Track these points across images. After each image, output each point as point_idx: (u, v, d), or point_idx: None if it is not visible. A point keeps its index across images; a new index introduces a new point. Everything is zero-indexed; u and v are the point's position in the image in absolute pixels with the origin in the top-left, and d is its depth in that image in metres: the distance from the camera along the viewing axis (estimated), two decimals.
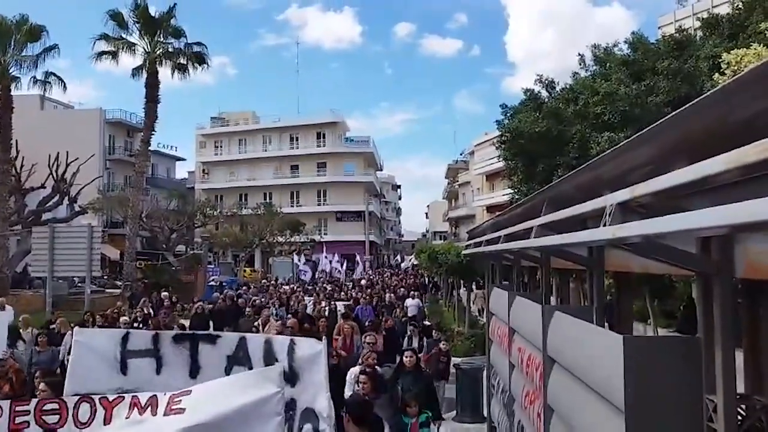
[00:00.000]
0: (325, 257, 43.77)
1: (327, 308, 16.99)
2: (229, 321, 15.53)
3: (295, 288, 27.62)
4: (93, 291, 22.50)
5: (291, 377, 5.11)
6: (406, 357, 8.08)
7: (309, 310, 16.63)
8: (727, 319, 2.46)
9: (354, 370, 7.70)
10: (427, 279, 38.35)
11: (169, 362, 5.41)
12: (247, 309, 16.08)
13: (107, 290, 31.90)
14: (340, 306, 17.79)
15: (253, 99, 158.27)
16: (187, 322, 15.60)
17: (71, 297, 26.08)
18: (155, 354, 5.41)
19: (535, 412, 4.67)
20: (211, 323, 15.95)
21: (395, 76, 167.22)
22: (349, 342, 11.80)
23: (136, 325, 13.74)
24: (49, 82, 30.59)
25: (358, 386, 6.93)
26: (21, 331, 12.01)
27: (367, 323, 15.10)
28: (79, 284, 28.99)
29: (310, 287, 29.69)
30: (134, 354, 5.39)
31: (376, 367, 7.85)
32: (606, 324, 4.78)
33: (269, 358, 5.23)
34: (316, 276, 40.66)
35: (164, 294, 20.95)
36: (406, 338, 12.64)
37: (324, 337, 10.31)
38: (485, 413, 9.65)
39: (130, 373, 5.35)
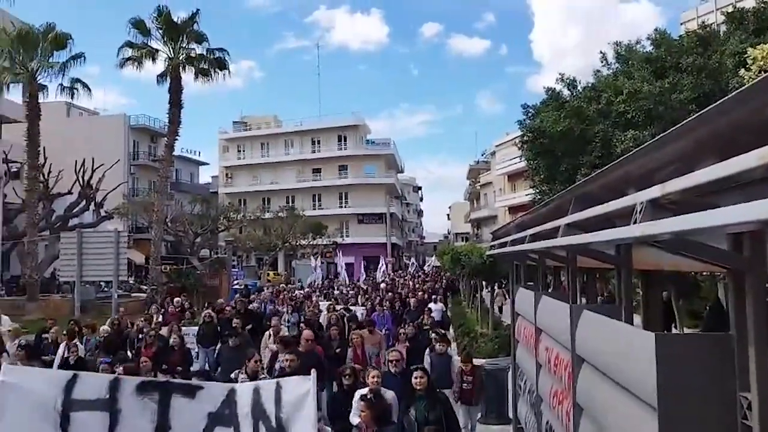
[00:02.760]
0: (342, 260, 43.50)
1: (338, 314, 15.32)
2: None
3: (310, 293, 26.68)
4: (119, 295, 22.76)
5: None
6: (415, 378, 6.60)
7: (323, 317, 15.01)
8: (760, 316, 2.44)
9: (361, 393, 6.64)
10: (445, 281, 37.83)
11: (127, 419, 4.30)
12: (236, 321, 13.09)
13: (133, 294, 32.28)
14: (359, 312, 17.04)
15: (278, 102, 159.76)
16: (191, 331, 14.30)
17: (98, 301, 26.48)
18: (110, 406, 4.28)
19: (564, 412, 4.66)
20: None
21: (420, 77, 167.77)
22: (361, 353, 10.51)
23: (141, 336, 12.38)
24: (76, 89, 31.01)
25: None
26: (8, 343, 10.93)
27: (384, 332, 13.76)
28: (105, 289, 29.44)
29: (327, 291, 29.10)
30: (81, 405, 4.26)
31: (382, 390, 6.64)
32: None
33: (257, 411, 4.42)
34: (338, 279, 40.59)
35: (176, 300, 19.47)
36: (427, 350, 10.60)
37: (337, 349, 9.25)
38: (510, 414, 9.63)
39: (73, 431, 4.24)
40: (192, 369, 11.36)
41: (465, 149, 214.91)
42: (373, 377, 6.79)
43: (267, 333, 12.14)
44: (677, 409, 2.49)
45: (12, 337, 11.48)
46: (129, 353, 11.50)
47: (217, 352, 12.69)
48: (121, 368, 7.73)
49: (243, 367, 8.09)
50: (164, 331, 12.87)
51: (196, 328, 14.72)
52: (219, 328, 14.17)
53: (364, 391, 6.60)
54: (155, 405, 4.31)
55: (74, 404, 4.22)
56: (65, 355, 10.37)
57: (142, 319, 14.83)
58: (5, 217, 29.03)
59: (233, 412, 4.41)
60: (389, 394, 6.67)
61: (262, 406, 4.43)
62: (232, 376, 7.90)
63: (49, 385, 4.28)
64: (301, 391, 4.44)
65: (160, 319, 16.08)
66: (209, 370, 11.89)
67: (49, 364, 10.37)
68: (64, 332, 11.63)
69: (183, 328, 13.59)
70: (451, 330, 19.47)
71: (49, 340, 11.52)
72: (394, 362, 7.98)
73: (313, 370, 4.59)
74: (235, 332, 11.66)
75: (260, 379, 7.34)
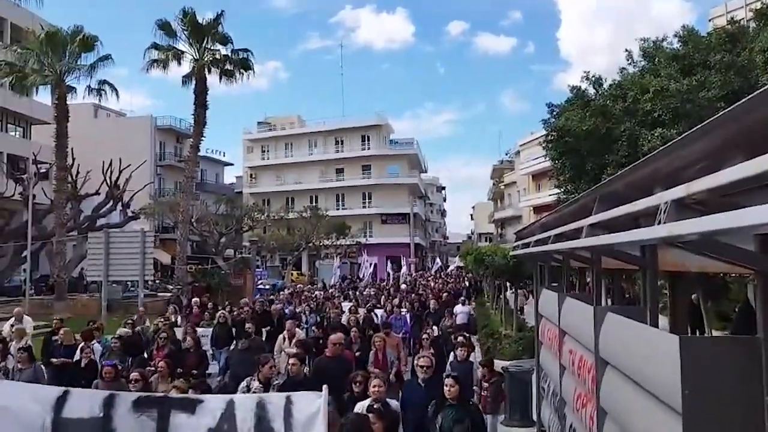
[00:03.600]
0: (366, 261, 43.22)
1: (357, 316, 14.73)
2: (256, 333, 12.94)
3: (332, 293, 26.44)
4: (146, 294, 23.04)
5: None
6: (447, 386, 6.33)
7: (345, 318, 14.52)
8: None
9: (366, 403, 6.20)
10: (468, 282, 37.43)
11: None
12: (248, 325, 12.31)
13: (159, 294, 32.66)
14: (379, 314, 16.72)
15: (302, 102, 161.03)
16: (207, 333, 13.85)
17: (125, 300, 26.84)
18: (104, 426, 3.89)
19: (588, 415, 4.60)
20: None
21: (445, 75, 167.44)
22: (382, 357, 9.99)
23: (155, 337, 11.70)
24: (104, 90, 31.42)
25: None
26: (13, 343, 10.64)
27: (402, 335, 13.39)
28: (132, 288, 29.82)
29: (347, 292, 28.64)
30: (72, 424, 3.87)
31: (389, 401, 6.31)
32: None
33: (262, 428, 3.99)
34: (360, 279, 40.40)
35: (194, 300, 19.34)
36: (451, 356, 10.03)
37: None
38: (534, 417, 9.54)
39: None
40: (208, 372, 11.29)
41: (490, 149, 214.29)
42: (375, 386, 6.38)
43: (281, 336, 11.73)
44: (702, 413, 2.44)
45: (17, 338, 11.14)
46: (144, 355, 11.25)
47: (226, 355, 11.96)
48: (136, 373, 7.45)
49: (255, 372, 7.59)
50: (180, 332, 12.54)
51: (207, 329, 14.25)
52: (234, 329, 13.76)
53: (369, 401, 6.21)
54: (154, 423, 3.94)
55: (64, 424, 3.83)
56: (77, 358, 10.18)
57: (161, 320, 14.38)
58: (34, 218, 29.47)
59: (233, 426, 3.99)
60: (395, 404, 6.40)
61: (269, 423, 4.02)
62: (244, 383, 7.45)
63: (36, 403, 3.90)
64: (311, 410, 4.05)
65: (178, 319, 15.78)
66: (218, 374, 11.66)
67: (57, 367, 10.23)
68: (76, 333, 11.29)
69: (199, 330, 13.18)
70: (475, 339, 19.06)
71: (59, 342, 11.09)
72: (425, 368, 7.37)
73: (325, 387, 4.23)
74: (245, 334, 11.17)
75: (274, 385, 7.25)
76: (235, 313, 15.78)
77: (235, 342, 11.88)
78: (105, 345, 11.28)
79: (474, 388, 9.05)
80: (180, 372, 8.78)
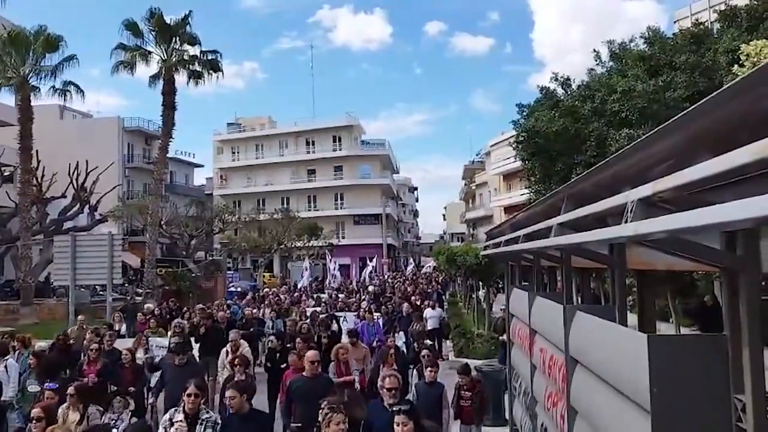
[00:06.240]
0: (332, 262, 42.46)
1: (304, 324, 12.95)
2: (213, 343, 11.94)
3: (300, 297, 25.72)
4: (114, 299, 22.64)
5: None
6: (397, 425, 5.05)
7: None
8: (754, 316, 2.40)
9: None
10: (435, 283, 37.06)
11: None
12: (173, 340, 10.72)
13: (128, 298, 32.15)
14: (350, 317, 16.10)
15: (276, 103, 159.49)
16: (156, 343, 12.13)
17: (93, 305, 26.38)
18: None
19: (559, 414, 4.61)
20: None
21: (422, 76, 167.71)
22: (345, 369, 9.26)
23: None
24: (69, 91, 30.84)
25: None
26: None
27: (376, 343, 12.57)
28: (101, 292, 29.31)
29: (316, 294, 27.78)
30: None
31: None
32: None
33: None
34: (328, 281, 39.75)
35: (147, 306, 17.95)
36: (414, 372, 9.09)
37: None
38: (507, 416, 9.58)
39: None
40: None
41: (463, 149, 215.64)
42: (338, 424, 5.21)
43: (224, 350, 10.41)
44: (670, 411, 2.45)
45: None
46: (67, 372, 9.65)
47: (161, 372, 9.68)
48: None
49: (181, 401, 6.12)
50: (128, 343, 11.28)
51: (165, 339, 12.51)
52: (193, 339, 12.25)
53: None
54: None
55: None
56: None
57: (96, 329, 12.08)
58: None
59: None
60: None
61: None
62: (168, 416, 6.10)
63: None
64: None
65: (121, 328, 14.30)
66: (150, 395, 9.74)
67: None
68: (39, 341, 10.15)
69: (158, 340, 12.16)
70: (449, 342, 18.86)
71: None
72: (392, 392, 6.27)
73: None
74: (182, 348, 9.48)
75: (202, 420, 5.94)
76: (195, 320, 14.15)
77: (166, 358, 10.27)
78: (23, 362, 9.67)
79: (458, 401, 8.45)
80: (115, 390, 7.79)
